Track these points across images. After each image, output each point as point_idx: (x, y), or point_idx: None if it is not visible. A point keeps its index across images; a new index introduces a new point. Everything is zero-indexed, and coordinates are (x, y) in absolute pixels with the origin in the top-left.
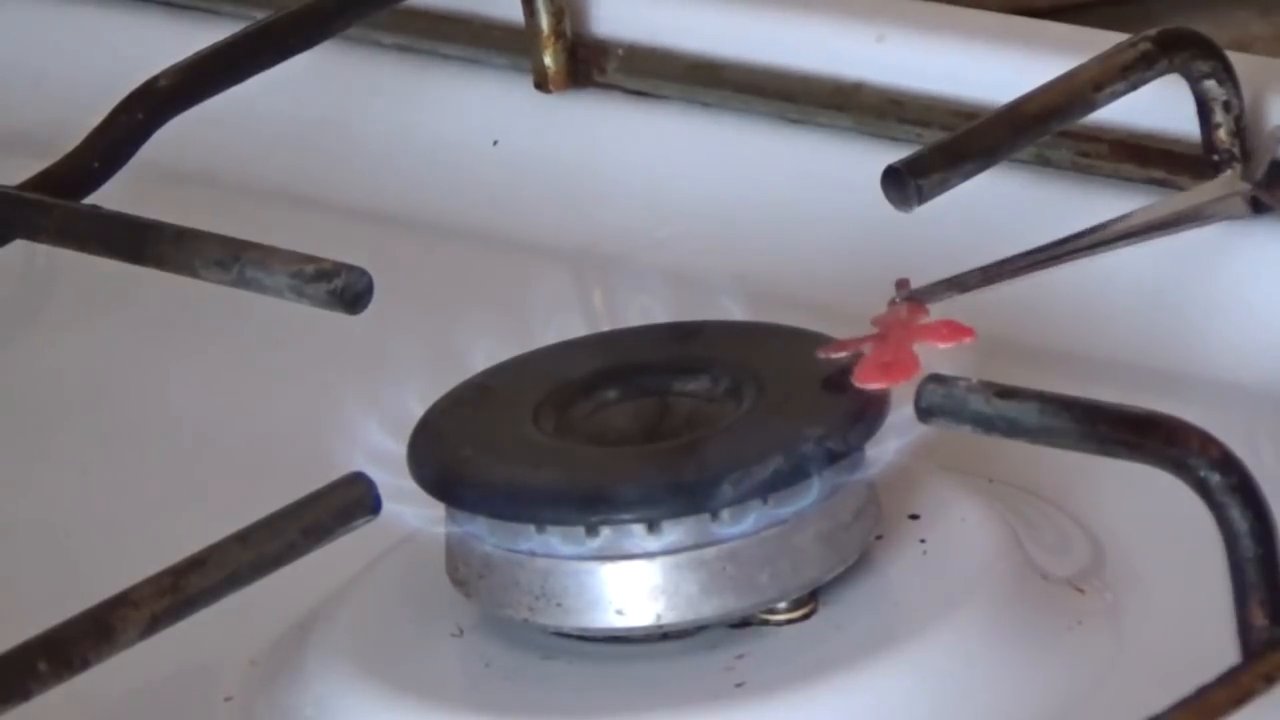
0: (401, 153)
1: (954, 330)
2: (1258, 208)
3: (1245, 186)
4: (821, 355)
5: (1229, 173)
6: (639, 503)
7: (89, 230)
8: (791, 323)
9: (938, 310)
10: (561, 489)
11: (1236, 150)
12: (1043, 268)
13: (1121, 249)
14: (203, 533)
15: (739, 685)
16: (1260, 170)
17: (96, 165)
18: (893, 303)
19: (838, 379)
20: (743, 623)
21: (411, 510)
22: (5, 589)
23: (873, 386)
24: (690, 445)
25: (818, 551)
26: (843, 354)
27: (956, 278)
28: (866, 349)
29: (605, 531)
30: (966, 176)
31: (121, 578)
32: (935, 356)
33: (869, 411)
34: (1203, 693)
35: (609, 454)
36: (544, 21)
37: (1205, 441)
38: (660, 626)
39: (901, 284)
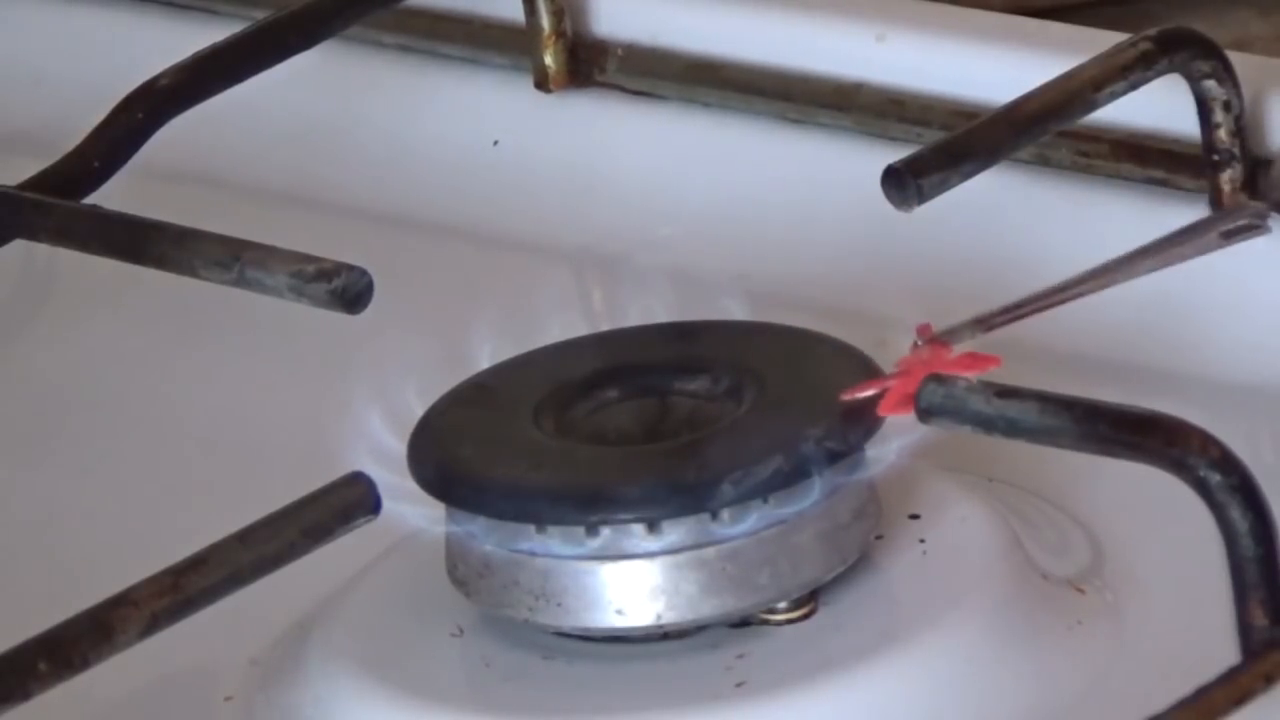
0: (401, 153)
1: (977, 361)
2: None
3: (1262, 207)
4: (845, 398)
5: (1243, 197)
6: (639, 503)
7: (89, 230)
8: (792, 323)
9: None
10: (561, 489)
11: (1236, 150)
12: (1067, 301)
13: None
14: (203, 533)
15: (739, 685)
16: (1277, 190)
17: (96, 165)
18: (915, 346)
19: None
20: (743, 623)
21: (411, 510)
22: (5, 589)
23: (895, 415)
24: (690, 445)
25: (818, 551)
26: (866, 394)
27: (980, 317)
28: (890, 387)
29: (605, 531)
30: (966, 176)
31: (121, 578)
32: None
33: (869, 412)
34: (1203, 693)
35: (609, 454)
36: (544, 21)
37: (1205, 441)
38: (660, 626)
39: (923, 329)
